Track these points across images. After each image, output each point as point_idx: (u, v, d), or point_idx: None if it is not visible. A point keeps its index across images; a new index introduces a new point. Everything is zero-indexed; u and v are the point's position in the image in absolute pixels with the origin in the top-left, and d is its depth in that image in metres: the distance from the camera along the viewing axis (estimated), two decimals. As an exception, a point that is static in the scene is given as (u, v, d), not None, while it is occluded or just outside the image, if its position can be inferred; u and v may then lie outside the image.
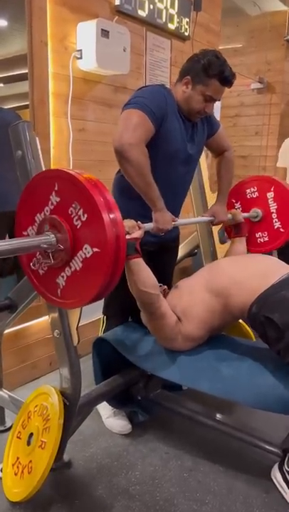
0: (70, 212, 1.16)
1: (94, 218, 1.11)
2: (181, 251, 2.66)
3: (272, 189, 2.20)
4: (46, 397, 1.57)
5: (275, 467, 1.65)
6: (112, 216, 1.11)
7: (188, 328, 1.65)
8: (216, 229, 2.36)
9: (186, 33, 2.99)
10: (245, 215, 2.17)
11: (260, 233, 2.26)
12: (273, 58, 4.14)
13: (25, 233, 1.29)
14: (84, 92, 2.37)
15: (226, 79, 1.64)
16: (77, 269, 1.18)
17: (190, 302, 1.68)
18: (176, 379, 1.67)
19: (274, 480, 1.63)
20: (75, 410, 1.58)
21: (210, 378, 1.61)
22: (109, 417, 2.00)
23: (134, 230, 1.54)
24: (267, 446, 1.69)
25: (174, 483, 1.66)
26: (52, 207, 1.21)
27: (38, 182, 1.24)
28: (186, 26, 2.96)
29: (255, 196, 2.26)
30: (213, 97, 1.68)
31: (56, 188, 1.18)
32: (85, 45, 2.22)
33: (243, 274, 1.64)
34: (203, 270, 1.84)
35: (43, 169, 1.47)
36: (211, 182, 2.37)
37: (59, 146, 2.26)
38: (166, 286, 1.86)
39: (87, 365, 1.86)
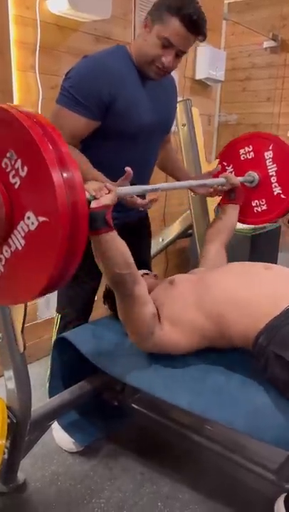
0: (3, 165, 0.85)
1: (37, 171, 0.80)
2: (174, 231, 2.37)
3: (270, 147, 1.80)
4: (-8, 411, 1.29)
5: (281, 499, 1.34)
6: (65, 173, 0.80)
7: (169, 335, 1.29)
8: (211, 206, 2.00)
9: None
10: (240, 179, 1.76)
11: (257, 201, 1.88)
12: (290, 12, 3.65)
13: None
14: (57, 41, 1.99)
15: (189, 18, 1.26)
16: (19, 248, 0.88)
17: (180, 313, 1.31)
18: (148, 389, 1.34)
19: None
20: (25, 428, 1.31)
21: (190, 391, 1.29)
22: (59, 429, 1.65)
23: (102, 193, 1.13)
24: (262, 471, 1.39)
25: (145, 515, 1.38)
26: None
27: None
28: None
29: (250, 157, 1.86)
30: (172, 42, 1.29)
31: None
32: (55, -19, 1.84)
33: (248, 293, 1.25)
34: (199, 273, 1.45)
35: None
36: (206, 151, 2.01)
37: (25, 105, 1.90)
38: (156, 273, 1.55)
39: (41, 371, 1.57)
